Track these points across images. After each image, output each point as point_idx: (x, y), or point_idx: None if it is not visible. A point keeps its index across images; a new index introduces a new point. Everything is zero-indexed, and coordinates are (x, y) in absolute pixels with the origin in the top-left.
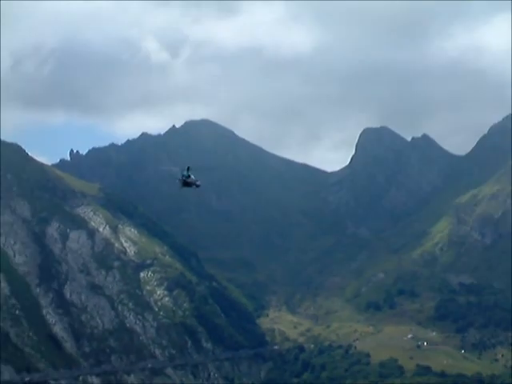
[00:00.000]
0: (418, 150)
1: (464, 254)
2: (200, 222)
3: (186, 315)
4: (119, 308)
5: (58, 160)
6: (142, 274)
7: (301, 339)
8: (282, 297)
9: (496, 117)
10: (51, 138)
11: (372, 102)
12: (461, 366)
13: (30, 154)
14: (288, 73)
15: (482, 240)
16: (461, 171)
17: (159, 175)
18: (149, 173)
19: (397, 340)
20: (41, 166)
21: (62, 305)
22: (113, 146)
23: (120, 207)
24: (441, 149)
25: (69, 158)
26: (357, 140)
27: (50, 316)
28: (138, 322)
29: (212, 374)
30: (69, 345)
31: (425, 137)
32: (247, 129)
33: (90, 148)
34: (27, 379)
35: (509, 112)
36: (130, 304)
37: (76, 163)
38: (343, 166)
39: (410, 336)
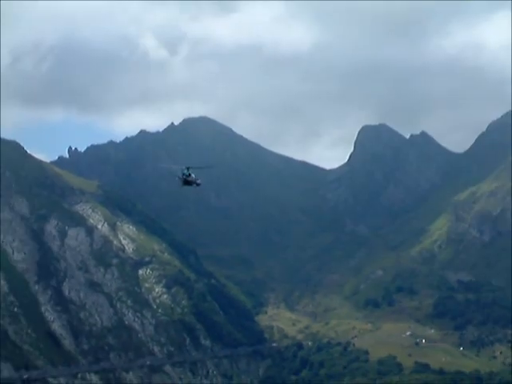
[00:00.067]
0: (416, 147)
1: (462, 252)
2: (198, 220)
3: (185, 312)
4: (118, 305)
5: (57, 157)
6: (140, 272)
7: (299, 336)
8: (281, 294)
9: (495, 114)
10: (50, 136)
11: (371, 100)
12: (459, 364)
13: (28, 151)
14: (286, 70)
15: (480, 237)
16: (459, 168)
17: (158, 172)
18: (147, 170)
19: (395, 337)
20: (39, 163)
21: (61, 302)
22: (111, 143)
23: (118, 204)
24: (439, 146)
25: (67, 156)
26: (355, 137)
27: (49, 313)
28: (136, 319)
29: (210, 371)
30: (67, 342)
31: (423, 134)
32: (246, 126)
33: (89, 145)
34: (26, 376)
35: (507, 109)
36: (129, 301)
37: (74, 160)
38: (342, 163)
39: (408, 333)
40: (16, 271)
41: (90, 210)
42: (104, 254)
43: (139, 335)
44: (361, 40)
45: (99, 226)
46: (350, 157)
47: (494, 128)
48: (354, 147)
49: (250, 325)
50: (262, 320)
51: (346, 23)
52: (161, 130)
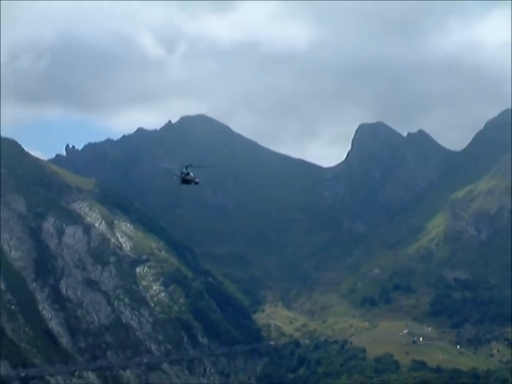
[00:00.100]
0: (413, 145)
1: (460, 250)
2: (196, 218)
3: (182, 310)
4: (115, 303)
5: (54, 155)
6: (137, 270)
7: (297, 334)
8: (278, 292)
9: (492, 112)
10: (47, 133)
11: (368, 98)
12: (456, 362)
13: (25, 149)
14: (284, 68)
15: (477, 235)
16: (457, 167)
17: (155, 171)
18: (145, 168)
19: (392, 335)
20: (36, 161)
21: (58, 300)
22: (109, 141)
23: (116, 202)
24: (437, 144)
25: (65, 154)
26: (353, 135)
27: (46, 311)
28: (133, 317)
29: (208, 369)
30: (65, 340)
31: (421, 132)
32: (243, 124)
33: (86, 143)
34: (23, 374)
35: (505, 107)
36: (126, 299)
37: (72, 158)
38: (339, 161)
39: (405, 331)
40: (13, 269)
41: (88, 208)
42: (101, 252)
43: (136, 333)
44: (358, 38)
45: (96, 224)
46: (348, 155)
47: (492, 126)
48: (352, 145)
49: (247, 323)
50: (260, 318)
51: (343, 21)
52: (158, 128)
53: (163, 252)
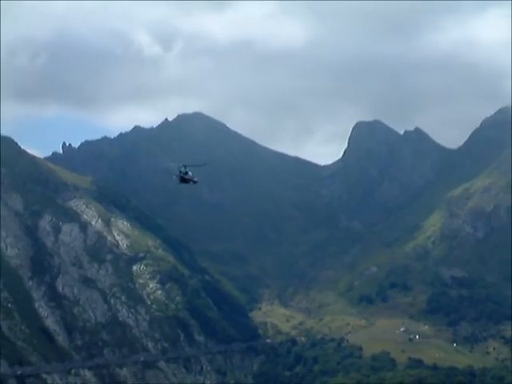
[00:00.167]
0: (410, 143)
1: (456, 248)
2: (192, 215)
3: (179, 308)
4: (112, 301)
5: (51, 153)
6: (134, 268)
7: (293, 332)
8: (275, 290)
9: (488, 110)
10: (43, 131)
11: (364, 96)
12: (453, 359)
13: (22, 146)
14: (280, 66)
15: (474, 233)
16: (453, 165)
17: (152, 168)
18: (141, 166)
19: (389, 333)
20: (33, 158)
21: (55, 298)
22: (105, 139)
23: (112, 200)
24: (433, 142)
25: (61, 151)
26: (349, 133)
27: (43, 309)
28: (130, 315)
29: (204, 367)
30: (61, 338)
31: (417, 130)
32: (239, 122)
33: (83, 141)
34: (19, 372)
35: (501, 105)
36: (123, 297)
37: (68, 156)
38: (336, 159)
39: (402, 329)
40: (10, 267)
41: (84, 206)
42: (98, 250)
43: (133, 331)
44: (354, 36)
45: (93, 222)
46: (344, 153)
47: (488, 124)
48: (348, 143)
49: (244, 321)
50: (256, 316)
51: (339, 19)
52: (155, 125)
53: (160, 250)
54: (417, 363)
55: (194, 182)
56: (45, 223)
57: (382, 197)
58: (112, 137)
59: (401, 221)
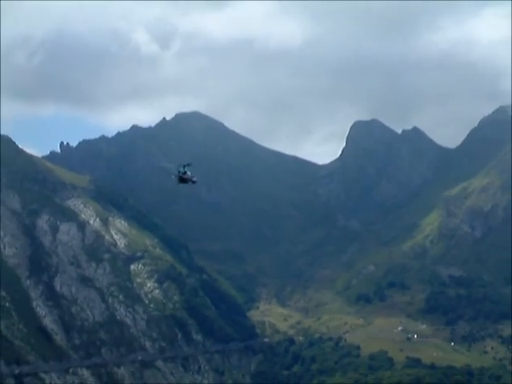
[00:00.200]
0: (408, 142)
1: (454, 247)
2: (190, 214)
3: (176, 307)
4: (109, 300)
5: (48, 152)
6: (132, 267)
7: (291, 332)
8: (273, 289)
9: (486, 109)
10: (41, 130)
11: (362, 95)
12: (450, 359)
13: (20, 146)
14: (278, 65)
15: (471, 233)
16: (451, 164)
17: (149, 168)
18: (139, 165)
19: (387, 332)
20: (31, 158)
21: (52, 297)
22: (103, 138)
23: (110, 199)
24: (431, 141)
25: (59, 150)
26: (347, 133)
27: (40, 308)
28: (128, 314)
29: (202, 366)
30: (59, 337)
31: (415, 129)
32: (237, 121)
33: (80, 140)
34: (17, 371)
35: (499, 105)
36: (121, 296)
37: (66, 155)
38: (333, 158)
39: (400, 328)
40: (7, 266)
41: (82, 205)
42: (96, 249)
43: (131, 330)
44: (352, 36)
45: (91, 221)
46: (342, 152)
47: (486, 123)
48: (346, 142)
49: (241, 320)
50: (254, 315)
51: (337, 18)
52: (153, 124)
53: (157, 249)
54: (415, 362)
55: (193, 182)
56: (42, 222)
57: (379, 196)
58: (110, 136)
59: (399, 220)
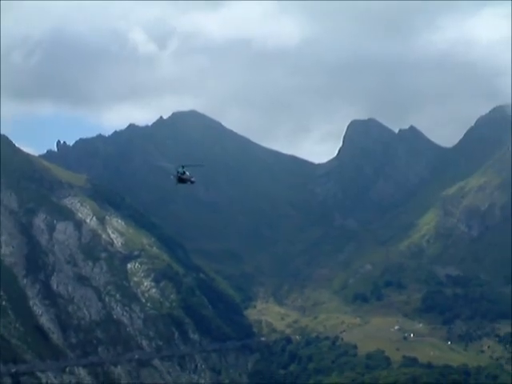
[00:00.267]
0: (405, 142)
1: (451, 246)
2: (187, 214)
3: (173, 306)
4: (106, 299)
5: (45, 151)
6: (129, 266)
7: (288, 331)
8: (270, 288)
9: (483, 109)
10: (38, 129)
11: (360, 94)
12: (447, 358)
13: (16, 144)
14: (276, 64)
15: (468, 232)
16: (448, 163)
17: (147, 166)
18: (136, 164)
19: (384, 331)
20: (28, 156)
21: (49, 296)
22: (100, 137)
23: (107, 198)
24: (428, 141)
25: (56, 149)
26: (344, 132)
27: (37, 307)
28: (125, 313)
29: (199, 365)
30: (55, 336)
31: (412, 129)
32: (235, 120)
33: (77, 139)
34: (14, 370)
35: (496, 104)
36: (117, 295)
37: (63, 154)
38: (331, 157)
39: (396, 327)
40: (4, 265)
41: (79, 204)
42: (92, 248)
43: (128, 329)
44: (350, 35)
45: (88, 220)
46: (339, 151)
47: (483, 123)
48: (343, 142)
49: (238, 319)
50: (251, 314)
51: (335, 18)
52: (150, 124)
53: (154, 248)
54: (411, 361)
55: (192, 182)
56: (39, 221)
57: (376, 195)
58: (107, 135)
59: (396, 219)
